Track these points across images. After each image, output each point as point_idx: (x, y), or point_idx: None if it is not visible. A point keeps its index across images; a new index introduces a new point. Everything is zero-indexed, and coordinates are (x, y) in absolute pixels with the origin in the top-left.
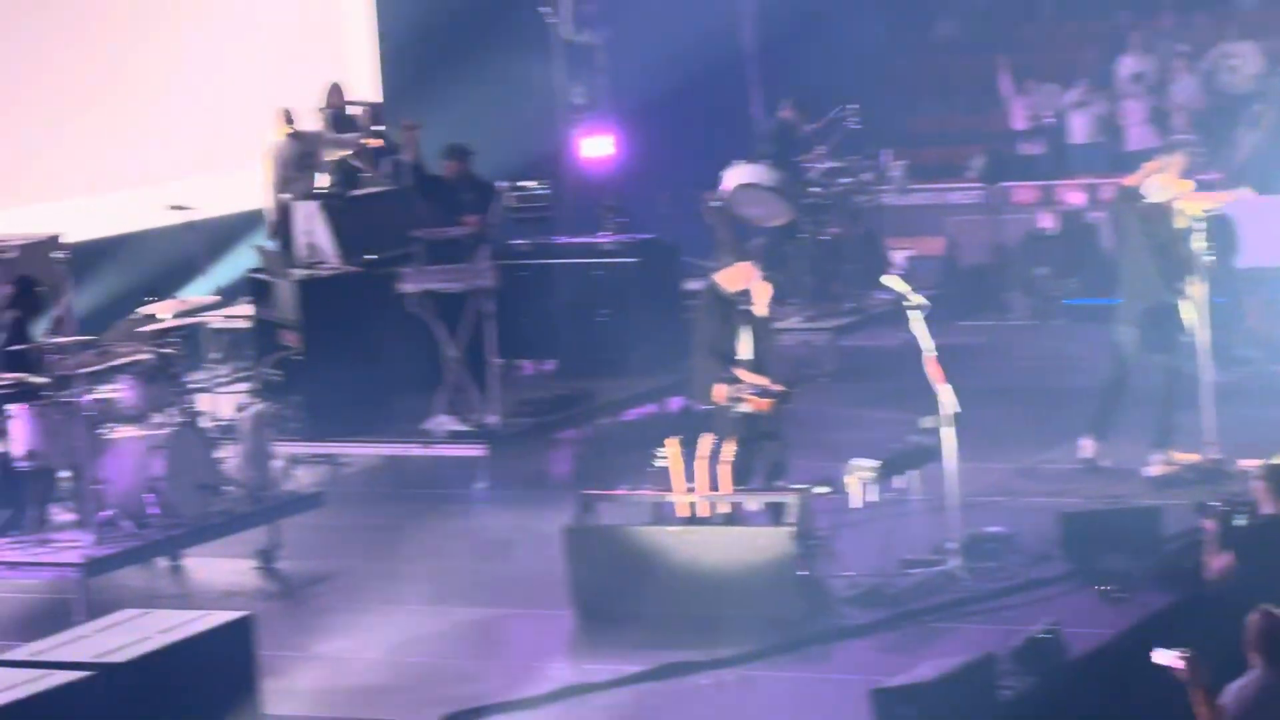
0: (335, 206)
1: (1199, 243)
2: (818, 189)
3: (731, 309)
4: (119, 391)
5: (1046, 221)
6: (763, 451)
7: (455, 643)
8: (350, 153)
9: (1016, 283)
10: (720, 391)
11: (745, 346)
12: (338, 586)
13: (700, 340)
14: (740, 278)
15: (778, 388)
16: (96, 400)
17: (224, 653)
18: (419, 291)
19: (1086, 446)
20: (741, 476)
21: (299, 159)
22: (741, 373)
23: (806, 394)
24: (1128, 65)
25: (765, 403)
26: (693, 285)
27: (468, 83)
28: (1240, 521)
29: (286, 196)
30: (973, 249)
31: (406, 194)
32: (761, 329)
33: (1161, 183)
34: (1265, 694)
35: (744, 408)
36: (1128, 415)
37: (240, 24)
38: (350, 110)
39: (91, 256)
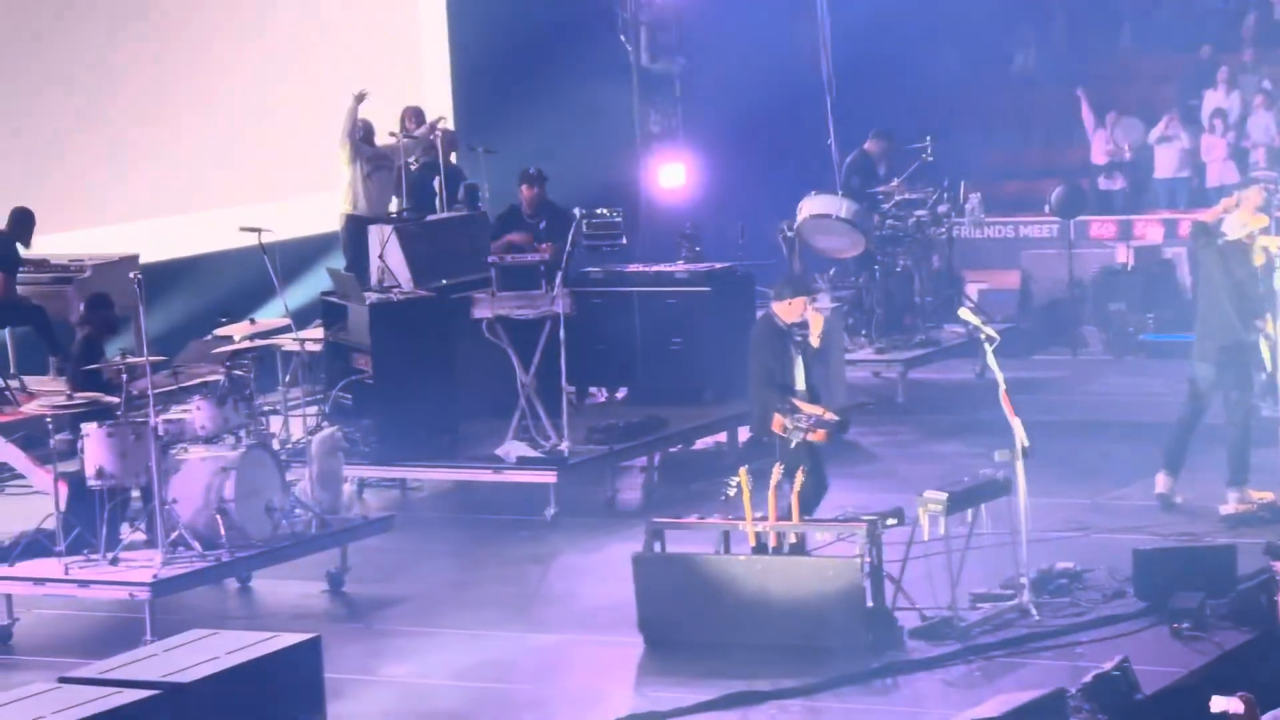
0: (409, 231)
1: (1277, 280)
2: (892, 221)
3: (787, 340)
4: (191, 412)
5: (1123, 256)
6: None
7: (523, 668)
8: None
9: (1092, 317)
10: (778, 422)
11: (800, 377)
12: (406, 610)
13: (757, 371)
14: (795, 310)
15: (832, 417)
16: (168, 421)
17: (291, 674)
18: (492, 317)
19: (1161, 482)
20: (806, 506)
21: (373, 174)
22: (798, 403)
23: (876, 425)
24: (1211, 100)
25: (821, 433)
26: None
27: (544, 109)
28: None
29: (358, 214)
30: (1048, 283)
31: (481, 219)
32: (816, 360)
33: (1238, 219)
34: None
35: (802, 438)
36: (1203, 452)
37: (316, 48)
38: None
39: (166, 277)
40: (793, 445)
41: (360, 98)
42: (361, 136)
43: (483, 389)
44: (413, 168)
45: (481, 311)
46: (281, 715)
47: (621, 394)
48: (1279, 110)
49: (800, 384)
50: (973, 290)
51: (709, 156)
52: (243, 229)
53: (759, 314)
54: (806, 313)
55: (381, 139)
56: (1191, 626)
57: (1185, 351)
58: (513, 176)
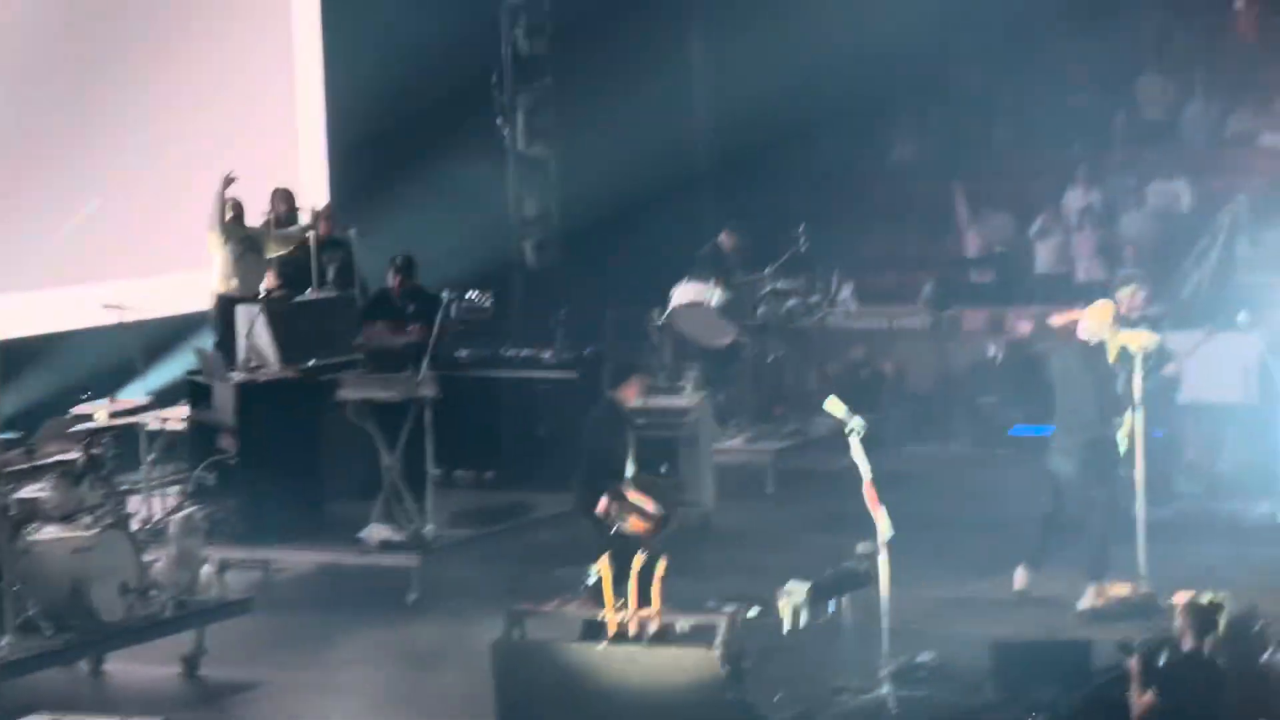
0: (277, 311)
1: (1138, 377)
2: (764, 310)
3: (626, 426)
4: (44, 491)
5: (993, 350)
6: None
7: None
8: (293, 249)
9: (962, 410)
10: (603, 506)
11: (631, 465)
12: (263, 696)
13: (591, 453)
14: (636, 394)
15: (656, 511)
16: (21, 499)
17: None
18: (358, 399)
19: (1021, 577)
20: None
21: (244, 255)
22: (628, 490)
23: (743, 517)
24: (1075, 198)
25: (642, 524)
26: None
27: (420, 190)
28: (1162, 659)
29: (229, 294)
30: (920, 374)
31: (350, 301)
32: (644, 450)
33: (1093, 327)
34: None
35: (624, 527)
36: (1064, 547)
37: (189, 122)
38: (301, 216)
39: (25, 354)
40: (611, 532)
41: (228, 181)
42: (233, 217)
43: (349, 471)
44: (293, 254)
45: (347, 393)
46: None
47: (488, 477)
48: (1148, 207)
49: (630, 471)
50: (844, 381)
51: (584, 242)
52: (105, 306)
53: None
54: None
55: (254, 217)
56: None
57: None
58: (387, 256)
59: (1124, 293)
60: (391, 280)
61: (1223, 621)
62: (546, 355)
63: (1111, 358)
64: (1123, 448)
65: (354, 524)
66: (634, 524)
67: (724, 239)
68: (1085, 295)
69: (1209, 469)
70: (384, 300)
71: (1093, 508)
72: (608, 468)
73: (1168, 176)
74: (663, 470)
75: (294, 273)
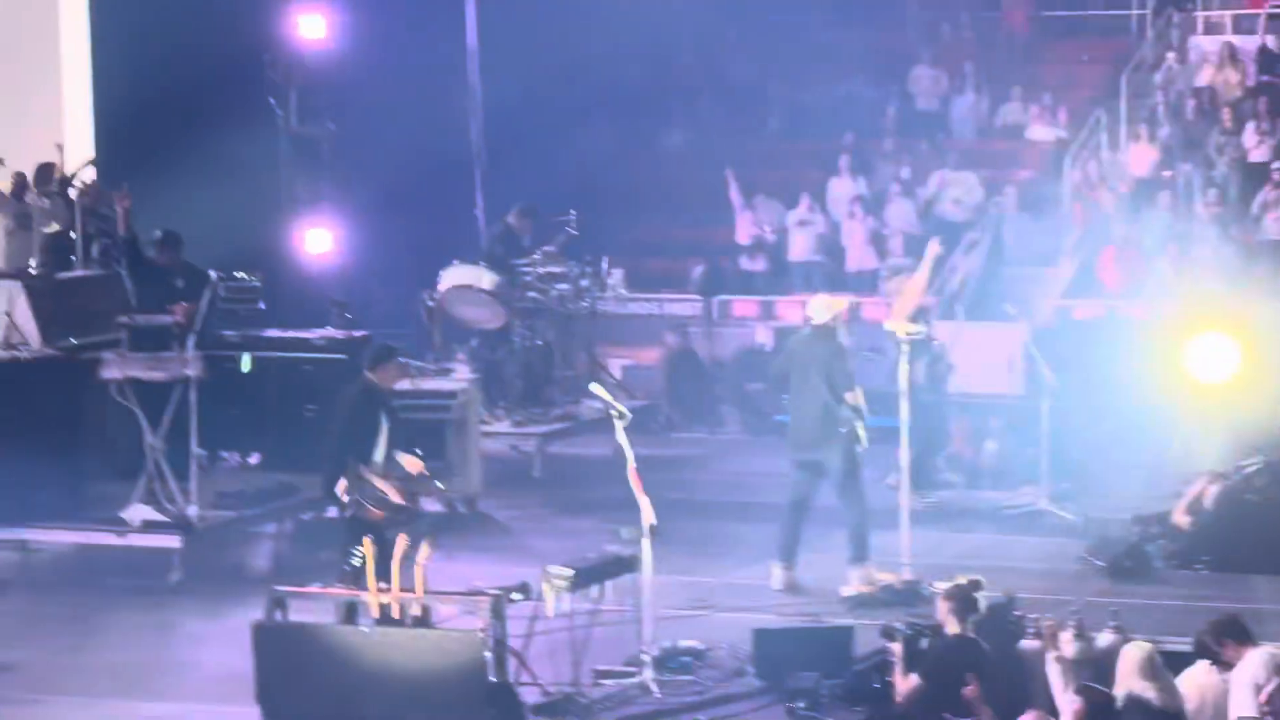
0: (39, 288)
1: (904, 365)
2: (534, 294)
3: (379, 409)
4: None
5: (763, 336)
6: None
7: None
8: (60, 229)
9: (731, 397)
10: (343, 487)
11: (381, 449)
12: (17, 677)
13: (337, 433)
14: (391, 376)
15: (398, 500)
16: None
17: None
18: (121, 378)
19: (777, 576)
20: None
21: (16, 231)
22: (369, 475)
23: (510, 499)
24: (845, 187)
25: (379, 512)
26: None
27: (191, 167)
28: (924, 643)
29: None
30: (690, 361)
31: (116, 278)
32: (401, 434)
33: (823, 304)
34: None
35: (361, 513)
36: (828, 534)
37: None
38: (69, 190)
39: None
40: (347, 514)
41: None
42: (13, 191)
43: (112, 450)
44: (57, 228)
45: (111, 372)
46: None
47: (254, 459)
48: (920, 198)
49: (379, 456)
50: (616, 366)
51: (356, 223)
52: None
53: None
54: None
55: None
56: (807, 706)
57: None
58: (154, 233)
59: (893, 283)
60: (159, 256)
61: (983, 603)
62: (315, 337)
63: (842, 341)
64: (862, 435)
65: (116, 504)
66: (372, 511)
67: (513, 219)
68: (855, 285)
69: (973, 458)
70: (149, 272)
71: (842, 492)
72: (354, 450)
73: (952, 167)
74: (418, 454)
75: (61, 249)
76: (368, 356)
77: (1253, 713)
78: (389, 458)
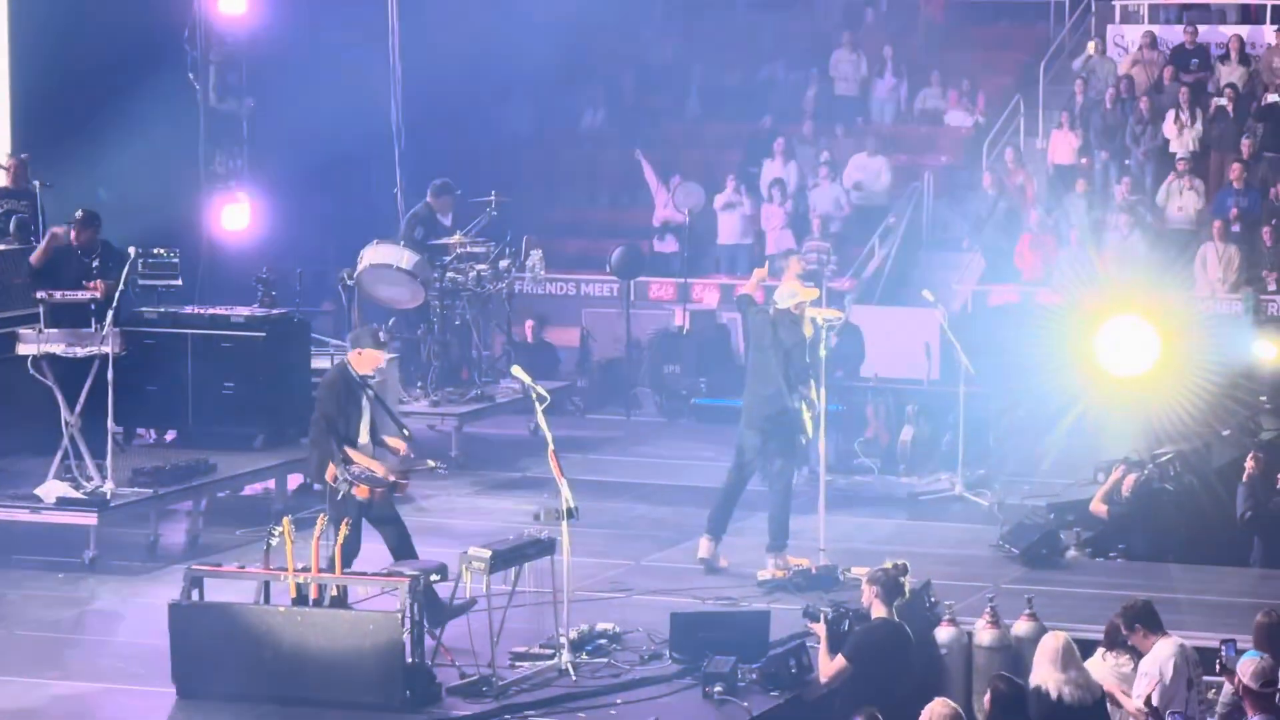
0: None
1: (823, 350)
2: (453, 274)
3: (359, 391)
4: None
5: (680, 319)
6: (383, 536)
7: (50, 718)
8: None
9: (647, 379)
10: (331, 471)
11: (365, 430)
12: None
13: (320, 418)
14: (369, 361)
15: (389, 477)
16: None
17: None
18: (38, 354)
19: (703, 547)
20: (348, 559)
21: None
22: (356, 455)
23: (427, 481)
24: (770, 170)
25: (365, 489)
26: (323, 364)
27: (107, 143)
28: (846, 625)
29: None
30: (607, 342)
31: (29, 254)
32: (383, 415)
33: (788, 289)
34: None
35: (348, 490)
36: (746, 518)
37: None
38: None
39: None
40: (339, 496)
41: None
42: None
43: (25, 426)
44: None
45: (27, 347)
46: None
47: (171, 436)
48: (839, 182)
49: (364, 437)
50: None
51: (275, 200)
52: None
53: (316, 362)
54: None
55: None
56: (723, 690)
57: (736, 417)
58: (71, 210)
59: (792, 263)
60: (75, 236)
61: (908, 587)
62: (233, 314)
63: (805, 330)
64: (809, 426)
65: (30, 480)
66: (360, 490)
67: (431, 198)
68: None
69: (889, 443)
70: (64, 249)
71: (774, 479)
72: (337, 431)
73: (865, 151)
74: (405, 435)
75: None
76: (351, 339)
77: (1155, 702)
78: (375, 439)
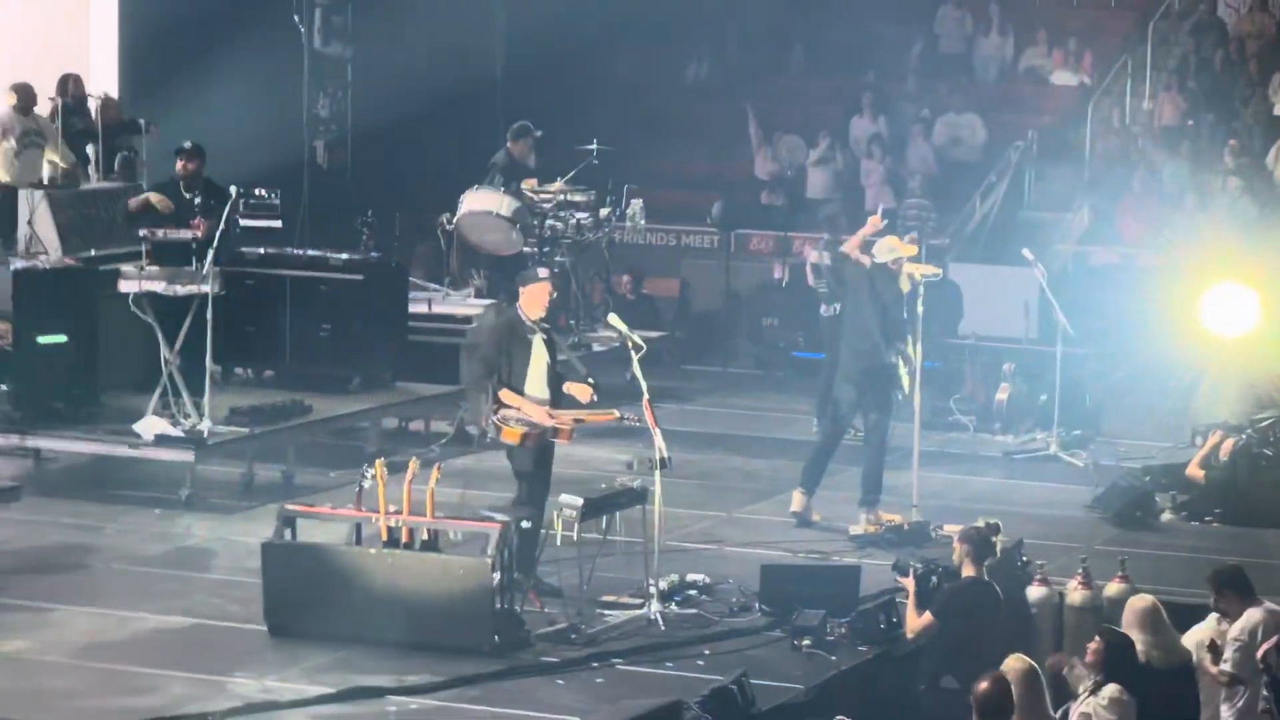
0: (60, 198)
1: (920, 306)
2: (552, 222)
3: (527, 335)
4: None
5: (779, 272)
6: (518, 487)
7: (143, 650)
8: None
9: (745, 331)
10: (486, 413)
11: (533, 376)
12: (27, 584)
13: (478, 360)
14: (537, 298)
15: (546, 421)
16: None
17: None
18: (139, 291)
19: (796, 500)
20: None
21: (27, 139)
22: (511, 398)
23: None
24: (862, 126)
25: (518, 434)
26: (420, 308)
27: (213, 86)
28: (934, 581)
29: (8, 180)
30: (706, 294)
31: (136, 191)
32: (552, 359)
33: (888, 244)
34: None
35: (503, 436)
36: (840, 472)
37: None
38: (89, 101)
39: None
40: (488, 438)
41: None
42: (18, 106)
43: (127, 362)
44: (76, 131)
45: (129, 285)
46: None
47: (268, 376)
48: (936, 139)
49: (535, 383)
50: (631, 297)
51: (376, 144)
52: None
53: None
54: (546, 298)
55: (44, 107)
56: (812, 643)
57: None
58: (175, 149)
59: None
60: (180, 168)
61: (999, 546)
62: (333, 257)
63: (901, 284)
64: (905, 382)
65: (131, 416)
66: (509, 433)
67: (512, 145)
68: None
69: (985, 401)
70: (172, 190)
71: (869, 435)
72: (489, 375)
73: (960, 110)
74: (590, 383)
75: (81, 158)
76: (519, 280)
77: (1246, 668)
78: (552, 385)
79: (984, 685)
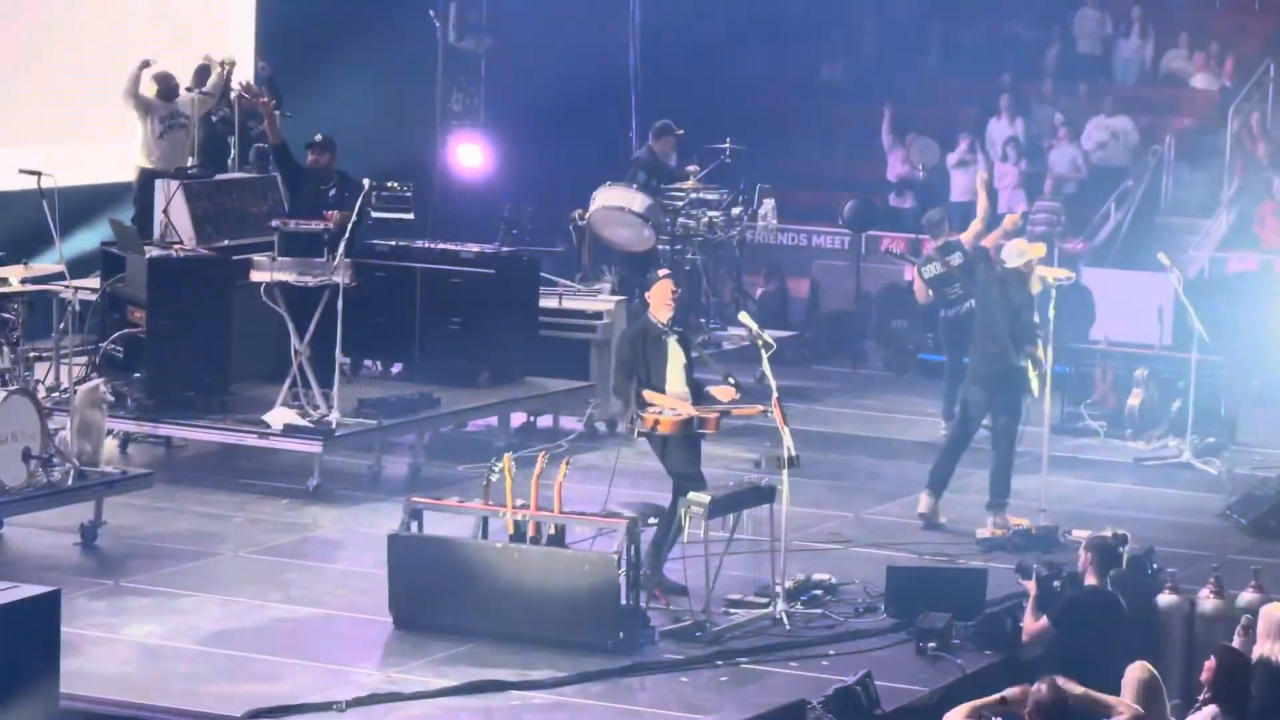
0: (195, 188)
1: (1052, 310)
2: (685, 220)
3: (662, 338)
4: None
5: (910, 274)
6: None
7: (269, 638)
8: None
9: (875, 332)
10: (629, 413)
11: (672, 375)
12: (156, 570)
13: (619, 365)
14: (661, 298)
15: (681, 413)
16: None
17: (26, 626)
18: (271, 281)
19: (924, 502)
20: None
21: (169, 130)
22: (655, 396)
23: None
24: (999, 128)
25: (670, 424)
26: (551, 303)
27: (347, 78)
28: (1057, 585)
29: (150, 167)
30: (836, 294)
31: (270, 182)
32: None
33: (1017, 248)
34: None
35: (636, 431)
36: (968, 475)
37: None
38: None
39: None
40: (635, 435)
41: (144, 65)
42: (160, 93)
43: (258, 352)
44: (214, 120)
45: (261, 275)
46: (11, 668)
47: (397, 369)
48: (1077, 142)
49: (675, 384)
50: (757, 293)
51: (509, 139)
52: (22, 172)
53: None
54: (670, 296)
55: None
56: (937, 646)
57: (962, 372)
58: (308, 139)
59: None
60: (312, 160)
61: (1125, 558)
62: (464, 250)
63: (1033, 287)
64: (1035, 387)
65: (260, 406)
66: (664, 424)
67: (654, 143)
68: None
69: (1116, 407)
70: (300, 176)
71: (997, 438)
72: (633, 377)
73: (1106, 113)
74: (731, 383)
75: (217, 150)
76: (647, 284)
77: None
78: (693, 386)
79: (1041, 691)
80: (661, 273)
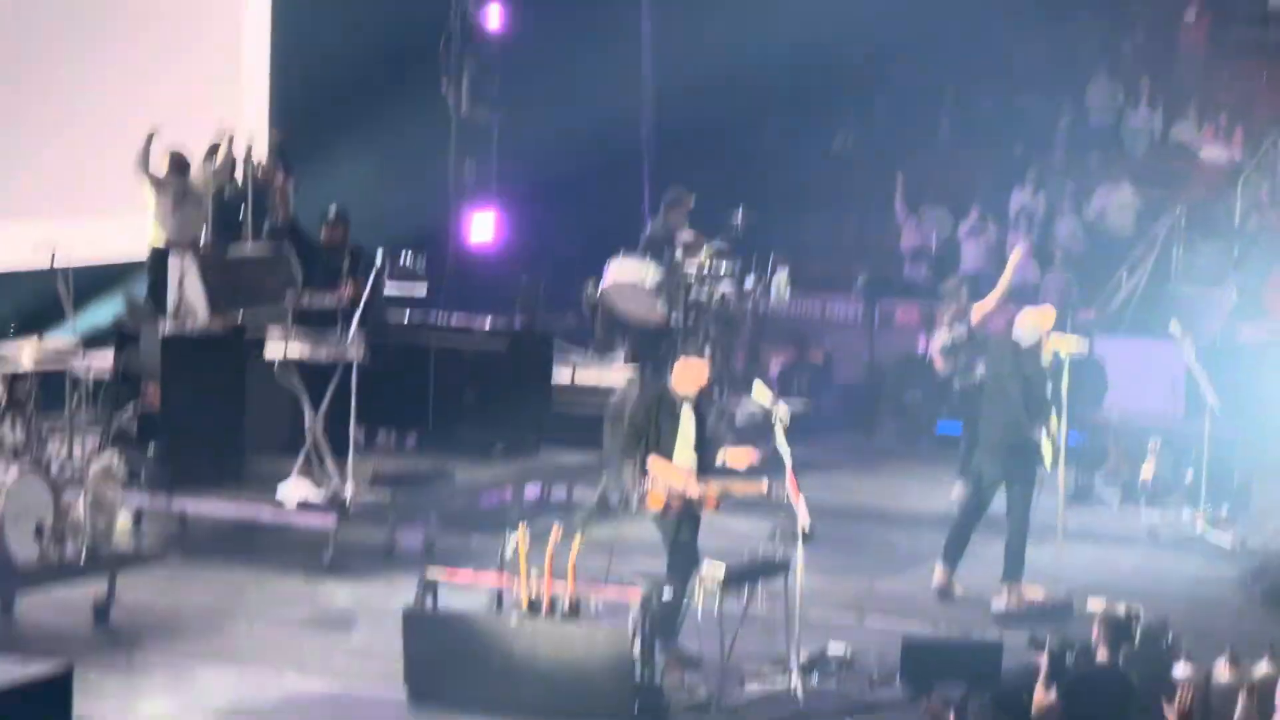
0: (209, 262)
1: (1064, 381)
2: (697, 293)
3: (677, 408)
4: None
5: (923, 345)
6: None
7: (284, 714)
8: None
9: (888, 403)
10: (630, 482)
11: (681, 448)
12: (170, 646)
13: (629, 428)
14: (689, 375)
15: (686, 491)
16: None
17: (38, 705)
18: (284, 358)
19: (938, 573)
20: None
21: (182, 205)
22: (660, 467)
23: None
24: (1018, 198)
25: (661, 501)
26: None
27: (360, 149)
28: (1069, 659)
29: (163, 245)
30: (849, 364)
31: (284, 257)
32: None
33: (1030, 323)
34: None
35: (649, 504)
36: (982, 546)
37: (130, 67)
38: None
39: None
40: (633, 507)
41: (151, 136)
42: (172, 168)
43: (272, 423)
44: (225, 197)
45: (274, 351)
46: None
47: (411, 440)
48: (1086, 212)
49: (684, 454)
50: (775, 367)
51: (522, 210)
52: (36, 249)
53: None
54: (694, 377)
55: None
56: (954, 719)
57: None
58: (321, 212)
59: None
60: (325, 235)
61: (1138, 635)
62: (477, 323)
63: (1045, 358)
64: (1048, 458)
65: (274, 479)
66: (652, 499)
67: (666, 214)
68: (1016, 297)
69: (1130, 477)
70: (313, 251)
71: (1012, 509)
72: (638, 444)
73: (1115, 181)
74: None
75: (229, 223)
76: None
77: None
78: (705, 459)
79: None
80: (701, 355)
